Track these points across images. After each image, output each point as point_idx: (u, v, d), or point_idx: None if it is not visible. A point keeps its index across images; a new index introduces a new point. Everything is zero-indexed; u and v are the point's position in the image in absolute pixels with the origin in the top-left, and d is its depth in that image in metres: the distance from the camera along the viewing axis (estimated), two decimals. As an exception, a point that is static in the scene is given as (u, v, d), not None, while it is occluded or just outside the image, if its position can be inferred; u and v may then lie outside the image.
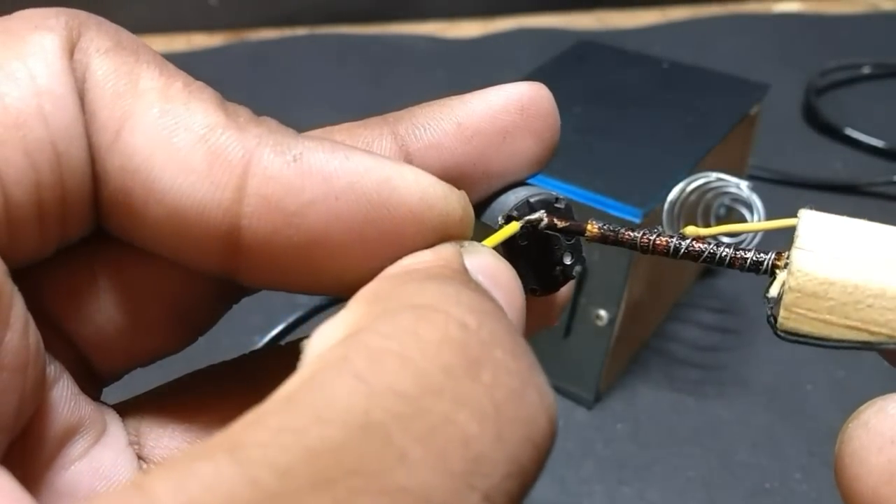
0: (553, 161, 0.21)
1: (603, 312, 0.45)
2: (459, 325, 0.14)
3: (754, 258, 0.18)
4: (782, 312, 0.17)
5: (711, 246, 0.19)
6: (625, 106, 0.52)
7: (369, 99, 0.78)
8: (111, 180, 0.17)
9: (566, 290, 0.22)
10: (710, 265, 0.19)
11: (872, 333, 0.17)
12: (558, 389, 0.48)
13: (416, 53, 0.86)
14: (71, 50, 0.16)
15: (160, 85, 0.17)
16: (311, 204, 0.16)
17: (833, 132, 0.73)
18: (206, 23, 0.90)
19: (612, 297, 0.45)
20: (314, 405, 0.13)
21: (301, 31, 0.90)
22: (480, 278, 0.17)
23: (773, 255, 0.18)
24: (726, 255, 0.19)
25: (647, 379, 0.50)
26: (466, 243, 0.18)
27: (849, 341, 0.17)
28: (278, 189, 0.16)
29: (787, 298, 0.17)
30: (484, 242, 0.19)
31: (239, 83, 0.78)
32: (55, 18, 0.17)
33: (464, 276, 0.17)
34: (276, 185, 0.16)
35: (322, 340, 0.15)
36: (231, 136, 0.16)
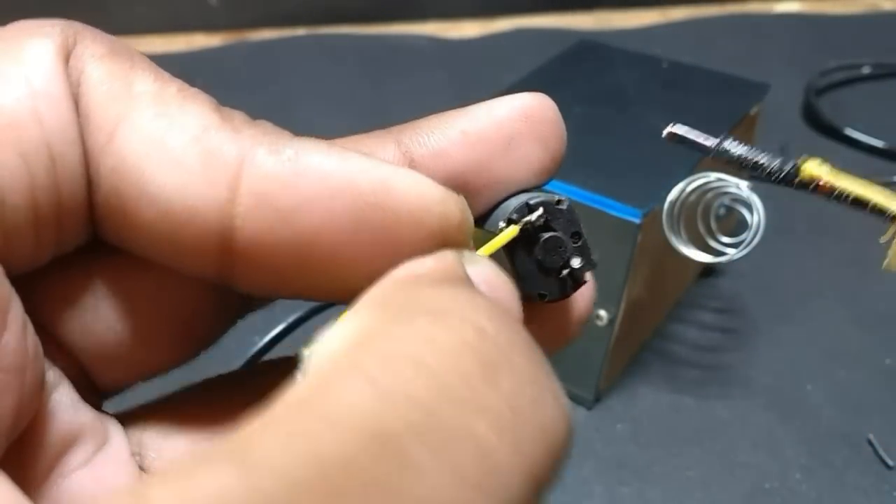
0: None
1: (603, 312, 0.45)
2: (476, 330, 0.14)
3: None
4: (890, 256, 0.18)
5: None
6: (625, 106, 0.52)
7: (369, 99, 0.78)
8: (104, 183, 0.17)
9: (587, 302, 0.21)
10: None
11: None
12: (558, 389, 0.48)
13: (416, 53, 0.86)
14: (66, 55, 0.16)
15: (155, 89, 0.17)
16: (306, 202, 0.16)
17: (833, 132, 0.73)
18: (206, 23, 0.90)
19: (612, 297, 0.45)
20: (325, 410, 0.12)
21: (301, 31, 0.90)
22: (483, 289, 0.17)
23: None
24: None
25: (647, 379, 0.50)
26: (466, 253, 0.18)
27: None
28: (273, 187, 0.16)
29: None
30: (483, 248, 0.19)
31: (239, 83, 0.78)
32: (51, 27, 0.17)
33: (470, 283, 0.17)
34: (270, 183, 0.16)
35: (330, 345, 0.14)
36: (225, 136, 0.16)
